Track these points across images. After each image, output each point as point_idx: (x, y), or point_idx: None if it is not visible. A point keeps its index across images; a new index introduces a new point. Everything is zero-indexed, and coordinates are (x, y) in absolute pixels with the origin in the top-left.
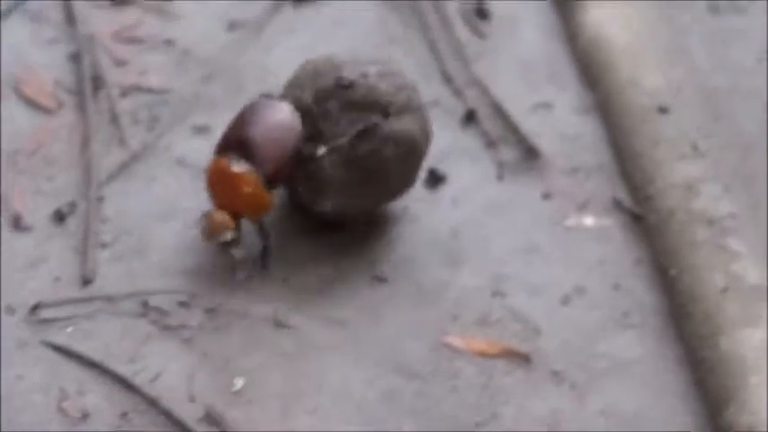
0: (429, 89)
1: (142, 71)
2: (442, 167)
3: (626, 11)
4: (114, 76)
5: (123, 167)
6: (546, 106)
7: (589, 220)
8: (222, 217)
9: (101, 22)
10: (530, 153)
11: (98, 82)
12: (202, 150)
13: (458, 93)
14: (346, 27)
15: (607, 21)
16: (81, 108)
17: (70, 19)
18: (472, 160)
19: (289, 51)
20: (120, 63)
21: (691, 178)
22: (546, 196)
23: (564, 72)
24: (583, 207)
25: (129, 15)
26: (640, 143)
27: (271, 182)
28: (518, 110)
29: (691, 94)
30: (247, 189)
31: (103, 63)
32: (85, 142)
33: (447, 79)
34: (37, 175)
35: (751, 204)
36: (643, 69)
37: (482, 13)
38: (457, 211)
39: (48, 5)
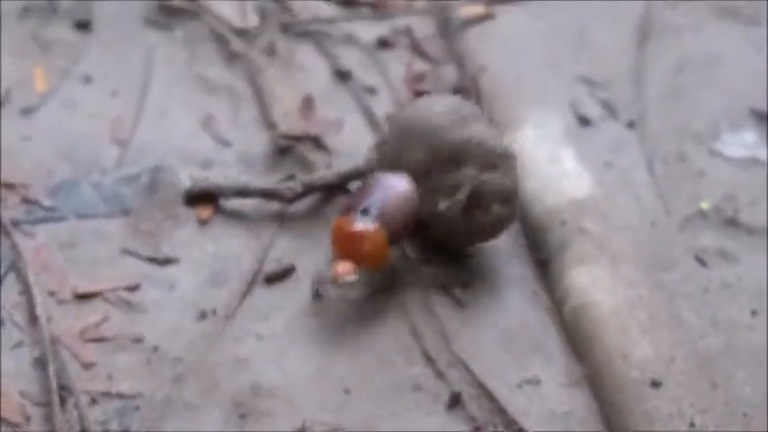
0: (411, 372)
1: (110, 374)
2: None
3: (611, 275)
4: (82, 382)
5: None
6: (533, 382)
7: None
8: (345, 267)
9: (65, 321)
10: None
11: (65, 391)
12: None
13: (441, 374)
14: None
15: (592, 286)
16: (49, 420)
17: (33, 319)
18: None
19: (261, 341)
20: (88, 366)
21: None
22: None
23: (550, 342)
24: None
25: (94, 310)
26: (634, 421)
27: (391, 241)
28: (504, 387)
29: (683, 363)
30: (369, 245)
31: (70, 367)
32: None
33: (429, 360)
34: None
35: None
36: (632, 338)
37: (462, 283)
38: None
39: (11, 304)
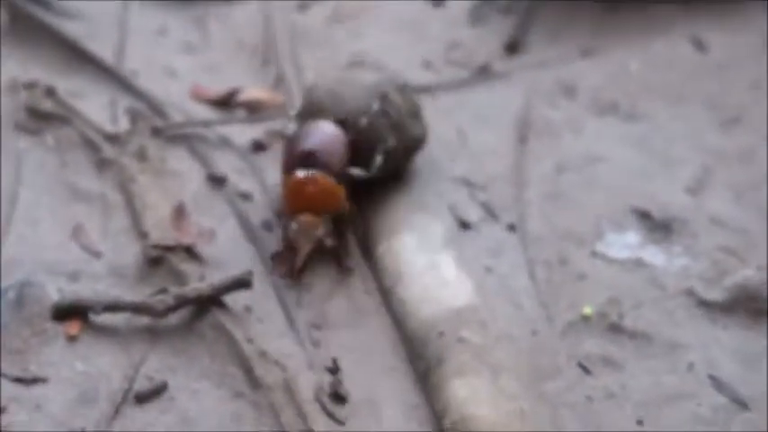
0: None
1: None
2: None
3: (492, 387)
4: None
5: None
6: None
7: None
8: (307, 217)
9: None
10: None
11: None
12: None
13: None
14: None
15: (472, 399)
16: None
17: None
18: None
19: None
20: None
21: None
22: None
23: None
24: None
25: None
26: None
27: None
28: None
29: None
30: (315, 188)
31: None
32: None
33: None
34: None
35: None
36: None
37: (338, 397)
38: None
39: None
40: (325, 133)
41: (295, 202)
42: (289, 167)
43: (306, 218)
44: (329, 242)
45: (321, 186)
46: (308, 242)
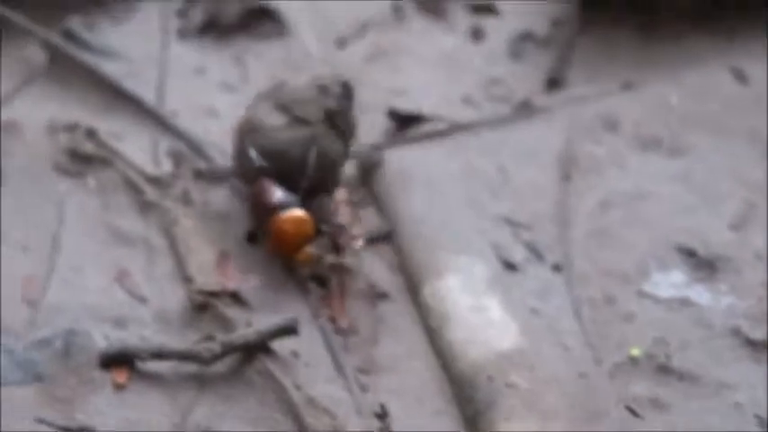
0: None
1: None
2: None
3: None
4: None
5: None
6: None
7: None
8: (305, 254)
9: None
10: None
11: None
12: None
13: None
14: None
15: None
16: None
17: None
18: None
19: None
20: None
21: None
22: None
23: None
24: None
25: None
26: None
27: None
28: None
29: None
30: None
31: None
32: None
33: None
34: None
35: None
36: None
37: None
38: None
39: None
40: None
41: (285, 245)
42: (264, 219)
43: (303, 256)
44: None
45: (292, 221)
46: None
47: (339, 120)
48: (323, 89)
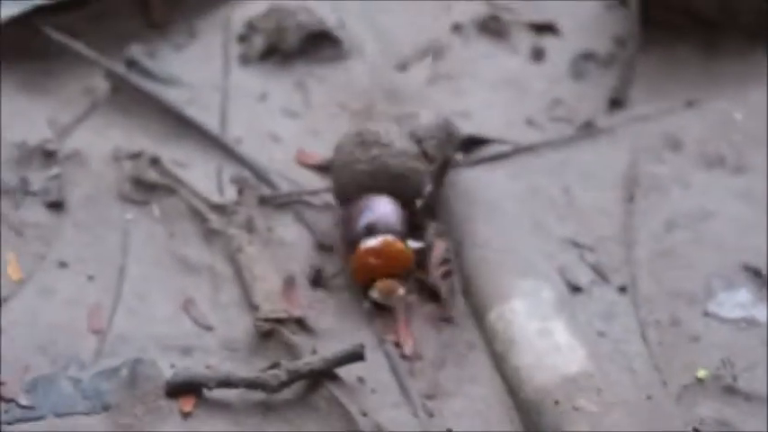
0: None
1: None
2: None
3: None
4: None
5: None
6: None
7: None
8: (384, 283)
9: None
10: None
11: None
12: None
13: None
14: None
15: None
16: None
17: None
18: None
19: None
20: None
21: None
22: None
23: None
24: None
25: None
26: None
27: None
28: None
29: None
30: (379, 258)
31: None
32: None
33: None
34: None
35: None
36: None
37: None
38: None
39: None
40: (382, 205)
41: (363, 274)
42: (351, 241)
43: (382, 284)
44: (409, 298)
45: (386, 254)
46: (394, 304)
47: (448, 169)
48: (450, 136)
